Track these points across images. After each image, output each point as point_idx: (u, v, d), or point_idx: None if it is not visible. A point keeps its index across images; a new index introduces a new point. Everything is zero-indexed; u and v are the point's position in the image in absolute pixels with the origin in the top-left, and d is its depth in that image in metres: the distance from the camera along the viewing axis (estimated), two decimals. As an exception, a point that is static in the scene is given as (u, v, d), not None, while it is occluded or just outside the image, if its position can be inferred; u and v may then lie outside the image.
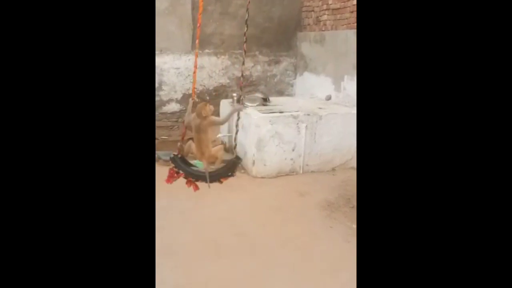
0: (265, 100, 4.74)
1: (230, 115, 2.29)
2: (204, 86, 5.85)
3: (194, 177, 2.16)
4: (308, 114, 4.17)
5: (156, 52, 5.45)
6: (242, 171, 4.22)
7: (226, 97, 5.55)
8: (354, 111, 4.29)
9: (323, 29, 5.45)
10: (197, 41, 2.46)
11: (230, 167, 2.15)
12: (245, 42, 2.16)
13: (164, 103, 5.71)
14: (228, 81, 5.92)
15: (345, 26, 4.94)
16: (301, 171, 4.20)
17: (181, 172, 2.16)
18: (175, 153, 2.21)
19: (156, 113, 5.66)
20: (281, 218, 3.17)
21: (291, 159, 4.14)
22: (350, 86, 4.76)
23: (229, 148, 4.74)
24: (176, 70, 5.65)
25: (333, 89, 5.16)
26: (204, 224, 3.06)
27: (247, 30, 2.13)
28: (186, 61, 5.68)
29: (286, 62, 6.20)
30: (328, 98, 5.14)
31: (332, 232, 2.94)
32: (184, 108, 5.79)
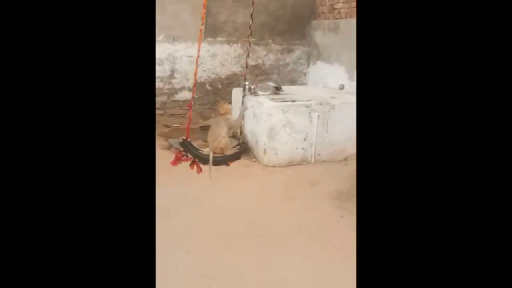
0: (277, 89, 4.71)
1: (241, 116, 2.54)
2: (217, 74, 5.85)
3: (201, 160, 2.32)
4: (321, 104, 4.14)
5: (169, 40, 5.45)
6: (254, 159, 4.24)
7: (239, 85, 5.54)
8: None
9: (338, 17, 5.37)
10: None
11: (235, 155, 2.41)
12: (250, 35, 2.38)
13: (177, 91, 5.74)
14: (240, 69, 5.90)
15: (360, 14, 4.85)
16: (312, 161, 4.19)
17: (189, 156, 2.30)
18: (184, 138, 2.34)
19: (169, 101, 5.69)
20: (292, 207, 3.19)
21: (303, 148, 4.14)
22: (363, 75, 4.69)
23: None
24: (189, 58, 5.65)
25: (346, 78, 5.10)
26: (216, 211, 3.09)
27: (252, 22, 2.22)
28: (199, 49, 5.67)
29: (299, 50, 6.14)
30: (342, 87, 5.09)
31: (343, 221, 2.95)
32: (196, 96, 5.81)
